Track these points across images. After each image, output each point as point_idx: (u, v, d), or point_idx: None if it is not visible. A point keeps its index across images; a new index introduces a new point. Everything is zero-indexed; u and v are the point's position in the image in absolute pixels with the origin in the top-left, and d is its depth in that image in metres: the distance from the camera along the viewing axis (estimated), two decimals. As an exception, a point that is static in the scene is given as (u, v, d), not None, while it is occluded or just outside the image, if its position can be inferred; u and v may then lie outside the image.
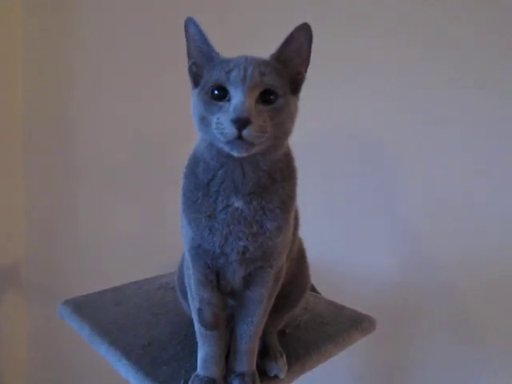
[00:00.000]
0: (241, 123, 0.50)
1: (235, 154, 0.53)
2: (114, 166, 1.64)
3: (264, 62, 0.55)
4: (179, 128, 1.44)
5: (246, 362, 0.65)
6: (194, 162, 0.62)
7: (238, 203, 0.58)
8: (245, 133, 0.50)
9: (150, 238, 1.60)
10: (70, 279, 1.81)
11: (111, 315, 0.85)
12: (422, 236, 1.12)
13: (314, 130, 1.20)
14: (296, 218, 0.72)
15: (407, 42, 1.06)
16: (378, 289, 1.17)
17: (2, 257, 1.87)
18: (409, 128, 1.09)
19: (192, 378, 0.64)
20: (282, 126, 0.55)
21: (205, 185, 0.59)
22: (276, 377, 0.68)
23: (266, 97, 0.53)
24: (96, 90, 1.65)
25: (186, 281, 0.68)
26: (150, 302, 0.92)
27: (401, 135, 1.11)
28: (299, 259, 0.78)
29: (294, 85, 0.58)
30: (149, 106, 1.50)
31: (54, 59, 1.70)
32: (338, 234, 1.24)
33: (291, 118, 0.56)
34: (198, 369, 0.65)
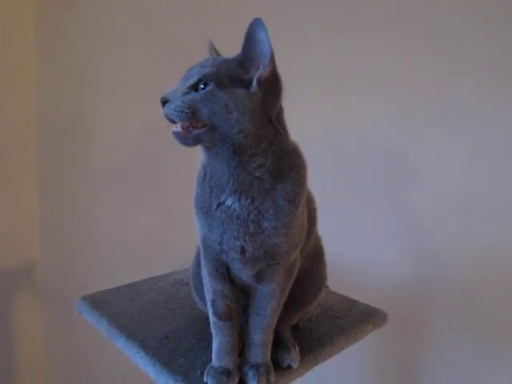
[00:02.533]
0: (161, 102, 0.58)
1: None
2: (126, 168, 1.67)
3: (212, 59, 0.61)
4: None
5: (260, 353, 0.67)
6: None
7: (228, 201, 0.61)
8: (164, 109, 0.58)
9: (162, 237, 1.62)
10: (84, 279, 1.84)
11: (127, 310, 0.87)
12: (435, 233, 1.12)
13: (328, 132, 1.22)
14: (313, 217, 0.73)
15: (420, 45, 1.07)
16: (392, 285, 1.18)
17: (17, 258, 1.91)
18: (419, 128, 1.10)
19: (207, 369, 0.66)
20: (210, 113, 0.56)
21: (202, 180, 0.64)
22: (289, 367, 0.69)
23: (198, 86, 0.58)
24: (108, 94, 1.67)
25: (202, 272, 0.70)
26: (165, 297, 0.95)
27: (412, 135, 1.11)
28: (317, 257, 0.79)
29: (261, 80, 0.58)
30: (158, 107, 1.53)
31: (66, 62, 1.74)
32: (353, 231, 1.25)
33: (220, 107, 0.56)
34: (213, 360, 0.67)
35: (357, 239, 1.23)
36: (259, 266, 0.65)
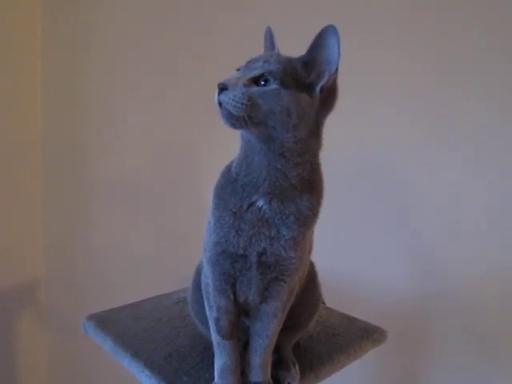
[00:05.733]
0: (219, 87, 0.55)
1: (220, 119, 0.57)
2: (131, 188, 1.70)
3: (277, 55, 0.60)
4: (192, 148, 1.51)
5: (261, 372, 0.69)
6: (234, 159, 0.66)
7: (260, 202, 0.61)
8: (221, 97, 0.55)
9: (166, 256, 1.64)
10: (87, 298, 1.86)
11: (132, 329, 0.89)
12: (434, 248, 1.14)
13: (328, 145, 1.24)
14: (311, 245, 0.75)
15: (422, 57, 1.09)
16: (391, 301, 1.19)
17: (21, 277, 1.93)
18: (419, 141, 1.12)
19: (211, 387, 0.68)
20: (268, 111, 0.55)
21: (234, 179, 0.63)
22: (290, 385, 0.71)
23: (259, 80, 0.56)
24: (111, 109, 1.71)
25: (204, 290, 0.71)
26: (169, 315, 0.97)
27: (412, 149, 1.14)
28: (309, 283, 0.80)
29: (316, 85, 0.58)
30: (161, 125, 1.56)
31: (70, 78, 1.78)
32: (353, 247, 1.26)
33: (281, 108, 0.55)
34: (216, 378, 0.69)
35: (357, 255, 1.25)
36: (269, 276, 0.65)
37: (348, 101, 1.18)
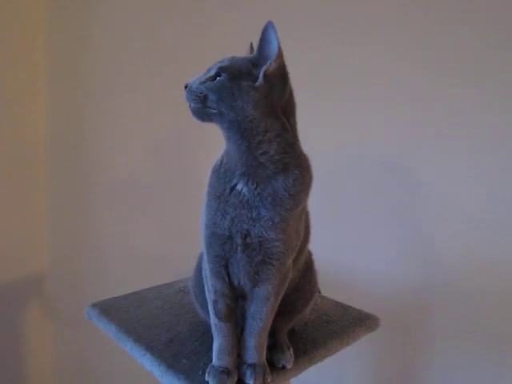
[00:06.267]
0: (184, 87, 0.68)
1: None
2: (134, 181, 1.73)
3: (233, 56, 0.69)
4: (193, 143, 1.54)
5: (256, 354, 0.72)
6: None
7: (239, 186, 0.68)
8: (184, 94, 0.68)
9: (167, 248, 1.68)
10: (92, 289, 1.90)
11: (135, 316, 0.93)
12: (433, 239, 1.16)
13: (330, 140, 1.27)
14: (306, 233, 0.79)
15: (432, 59, 1.11)
16: (389, 293, 1.22)
17: (28, 268, 1.97)
18: (420, 136, 1.14)
19: (208, 369, 0.71)
20: (218, 99, 0.65)
21: (218, 167, 0.72)
22: (284, 367, 0.75)
23: (215, 77, 0.66)
24: (112, 112, 1.75)
25: (203, 275, 0.76)
26: (170, 304, 1.00)
27: (410, 142, 1.16)
28: (305, 271, 0.85)
29: (267, 74, 0.65)
30: (164, 124, 1.60)
31: (74, 78, 1.81)
32: (349, 238, 1.29)
33: (227, 94, 0.64)
34: (214, 360, 0.72)
35: (355, 246, 1.28)
36: (256, 258, 0.70)
37: (350, 97, 1.22)
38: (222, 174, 0.71)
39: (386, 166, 1.21)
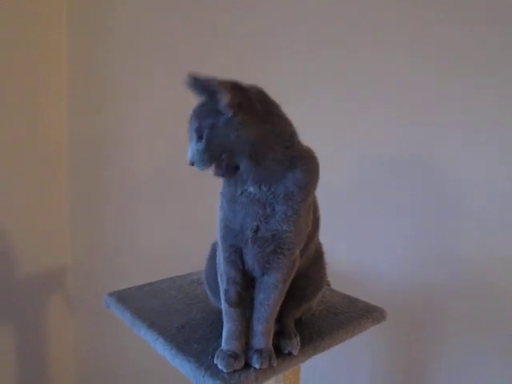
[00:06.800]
0: (191, 164, 0.71)
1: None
2: (151, 178, 1.78)
3: (193, 111, 0.71)
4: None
5: (263, 340, 0.76)
6: None
7: (250, 188, 0.72)
8: (194, 167, 0.71)
9: (182, 243, 1.72)
10: (110, 283, 1.95)
11: (149, 305, 0.98)
12: (447, 234, 1.16)
13: (334, 141, 1.30)
14: (316, 223, 0.82)
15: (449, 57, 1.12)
16: (402, 288, 1.24)
17: (50, 264, 2.04)
18: (426, 130, 1.16)
19: (217, 352, 0.75)
20: (223, 147, 0.68)
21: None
22: (290, 353, 0.78)
23: (198, 139, 0.69)
24: (130, 112, 1.80)
25: (217, 262, 0.80)
26: (183, 294, 1.05)
27: (423, 138, 1.17)
28: (315, 259, 0.88)
29: (230, 107, 0.66)
30: (180, 121, 1.64)
31: (95, 80, 1.87)
32: (366, 235, 1.31)
33: (227, 139, 0.67)
34: (223, 344, 0.76)
35: (365, 241, 1.30)
36: (267, 249, 0.73)
37: (369, 97, 1.24)
38: (232, 182, 0.74)
39: (390, 164, 1.23)
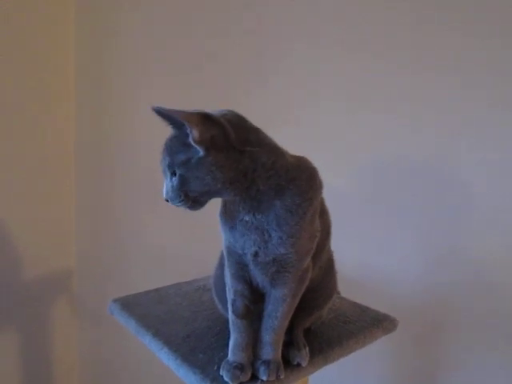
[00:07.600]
0: (166, 200, 0.68)
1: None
2: (154, 181, 1.76)
3: (165, 147, 0.69)
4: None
5: (271, 351, 0.73)
6: None
7: (245, 217, 0.70)
8: (170, 204, 0.68)
9: (188, 248, 1.70)
10: (115, 286, 1.94)
11: (154, 311, 0.96)
12: (459, 236, 1.14)
13: (346, 143, 1.27)
14: (326, 230, 0.80)
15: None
16: (407, 293, 1.21)
17: (55, 267, 2.04)
18: (437, 137, 1.14)
19: (223, 364, 0.73)
20: (197, 184, 0.64)
21: (224, 211, 0.74)
22: (298, 365, 0.75)
23: (172, 176, 0.67)
24: (137, 112, 1.78)
25: (225, 274, 0.78)
26: (189, 301, 1.02)
27: (422, 142, 1.15)
28: (327, 268, 0.86)
29: (200, 143, 0.62)
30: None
31: (102, 80, 1.87)
32: (369, 240, 1.28)
33: (199, 178, 0.63)
34: (229, 355, 0.73)
35: (374, 248, 1.27)
36: (270, 270, 0.72)
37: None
38: (228, 214, 0.73)
39: (395, 162, 1.21)
